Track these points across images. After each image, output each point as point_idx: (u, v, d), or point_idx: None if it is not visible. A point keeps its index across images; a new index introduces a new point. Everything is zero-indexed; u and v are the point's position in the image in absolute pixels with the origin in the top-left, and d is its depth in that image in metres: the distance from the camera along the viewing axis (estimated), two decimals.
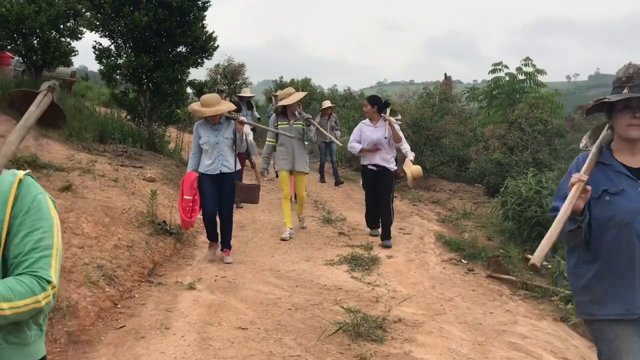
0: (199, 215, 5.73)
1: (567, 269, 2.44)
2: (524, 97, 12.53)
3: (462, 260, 6.29)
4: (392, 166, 6.75)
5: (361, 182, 7.32)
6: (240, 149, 5.76)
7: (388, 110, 6.73)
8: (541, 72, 12.88)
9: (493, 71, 13.26)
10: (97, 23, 9.99)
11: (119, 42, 10.39)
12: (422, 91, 14.27)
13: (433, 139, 12.50)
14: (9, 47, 11.72)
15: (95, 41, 10.36)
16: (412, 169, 6.81)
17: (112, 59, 10.36)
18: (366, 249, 6.36)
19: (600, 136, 2.31)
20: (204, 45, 10.72)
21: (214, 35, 10.86)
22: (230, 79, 23.55)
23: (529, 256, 6.02)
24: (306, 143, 7.07)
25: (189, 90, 11.43)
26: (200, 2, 10.47)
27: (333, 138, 8.07)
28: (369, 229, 7.27)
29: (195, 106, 5.65)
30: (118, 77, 10.51)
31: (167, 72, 10.15)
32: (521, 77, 13.01)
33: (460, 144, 12.79)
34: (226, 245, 5.82)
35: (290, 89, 7.03)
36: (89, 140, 8.92)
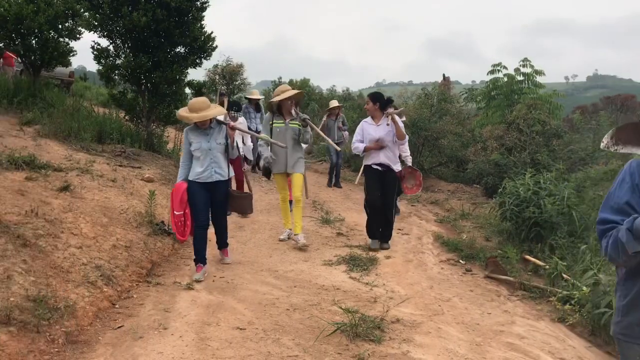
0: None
1: (617, 280, 2.07)
2: (522, 98, 12.55)
3: (460, 261, 6.30)
4: (398, 166, 6.48)
5: (364, 185, 6.65)
6: (232, 155, 5.42)
7: (391, 109, 6.38)
8: (539, 73, 12.91)
9: (492, 72, 13.30)
10: (96, 23, 9.99)
11: (118, 42, 10.38)
12: (420, 92, 14.30)
13: (431, 140, 12.52)
14: (1, 46, 11.69)
15: (94, 41, 10.37)
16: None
17: (111, 59, 10.35)
18: (364, 250, 6.36)
19: None
20: (203, 46, 10.72)
21: (212, 35, 10.87)
22: (228, 79, 23.58)
23: (527, 257, 6.04)
24: (304, 146, 6.70)
25: (187, 90, 11.43)
26: (198, 3, 10.47)
27: (330, 141, 7.49)
28: (369, 240, 6.61)
29: (182, 112, 5.23)
30: (116, 77, 10.50)
31: (165, 72, 10.15)
32: (519, 78, 13.05)
33: (459, 144, 12.81)
34: (223, 245, 5.66)
35: (285, 86, 6.63)
36: (87, 141, 8.92)
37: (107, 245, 5.05)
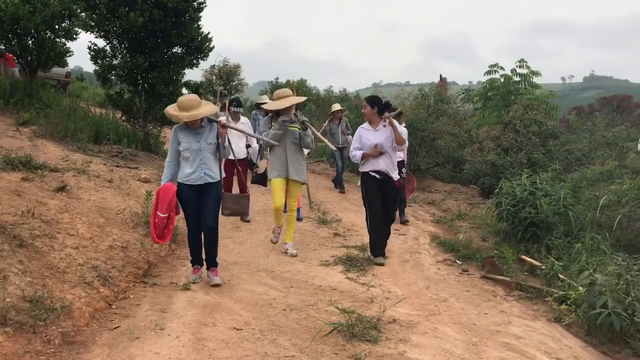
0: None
1: None
2: (518, 99, 12.59)
3: (457, 261, 6.32)
4: (395, 175, 6.04)
5: (363, 196, 6.14)
6: (223, 155, 5.04)
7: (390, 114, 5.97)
8: (536, 73, 12.95)
9: (488, 72, 13.33)
10: (93, 24, 10.00)
11: (114, 42, 10.39)
12: (417, 92, 14.31)
13: (428, 140, 12.54)
14: (3, 48, 11.67)
15: (91, 42, 10.38)
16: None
17: (107, 59, 10.36)
18: (361, 250, 6.36)
19: None
20: (200, 46, 10.74)
21: (209, 36, 10.89)
22: (225, 79, 23.59)
23: (524, 257, 6.06)
24: (306, 151, 6.28)
25: (184, 90, 11.42)
26: (195, 3, 10.48)
27: (328, 143, 6.69)
28: (371, 256, 6.07)
29: (171, 110, 4.79)
30: (113, 77, 10.51)
31: (162, 72, 10.16)
32: (516, 78, 13.09)
33: (455, 145, 12.83)
34: (212, 263, 5.07)
35: (287, 91, 6.12)
36: (83, 141, 8.92)
37: (103, 245, 5.05)
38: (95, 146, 9.01)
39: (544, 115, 11.17)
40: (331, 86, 28.84)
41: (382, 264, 5.88)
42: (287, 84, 24.34)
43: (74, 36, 12.01)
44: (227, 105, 7.77)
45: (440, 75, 17.27)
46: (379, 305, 4.59)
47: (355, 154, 6.05)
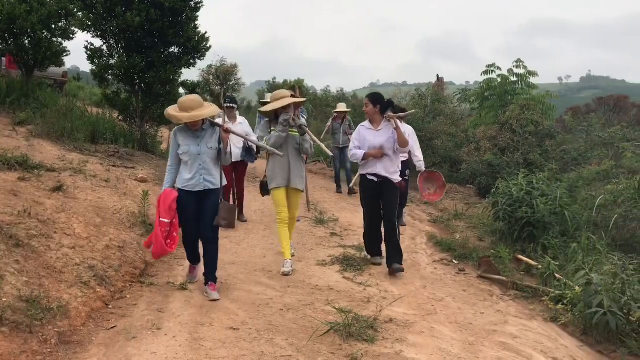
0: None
1: None
2: (515, 99, 12.63)
3: (454, 261, 6.33)
4: (397, 177, 5.69)
5: (360, 196, 5.99)
6: (224, 162, 4.73)
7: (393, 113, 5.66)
8: (533, 73, 12.99)
9: (486, 72, 13.36)
10: (89, 23, 9.99)
11: (111, 42, 10.38)
12: (414, 92, 14.34)
13: (425, 140, 12.54)
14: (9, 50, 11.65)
15: (87, 41, 10.38)
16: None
17: (104, 59, 10.35)
18: (358, 250, 6.36)
19: None
20: (197, 46, 10.74)
21: (206, 35, 10.89)
22: (222, 79, 23.58)
23: (520, 256, 6.07)
24: (304, 157, 5.82)
25: (181, 90, 11.43)
26: (192, 3, 10.49)
27: (323, 146, 6.30)
28: (367, 255, 6.03)
29: (171, 110, 4.54)
30: (110, 77, 10.51)
31: (159, 72, 10.15)
32: (513, 78, 13.12)
33: (452, 145, 12.86)
34: (211, 277, 4.73)
35: (285, 92, 5.67)
36: (80, 141, 8.91)
37: (100, 245, 5.04)
38: (92, 146, 9.00)
39: (541, 116, 11.21)
40: (328, 86, 28.88)
41: (379, 264, 5.83)
42: (285, 84, 24.33)
43: (71, 36, 12.01)
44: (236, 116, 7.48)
45: (438, 75, 17.26)
46: (375, 304, 4.59)
47: (355, 152, 5.73)
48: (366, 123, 5.81)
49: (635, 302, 4.12)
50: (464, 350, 3.83)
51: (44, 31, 11.31)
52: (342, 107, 10.84)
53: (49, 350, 3.44)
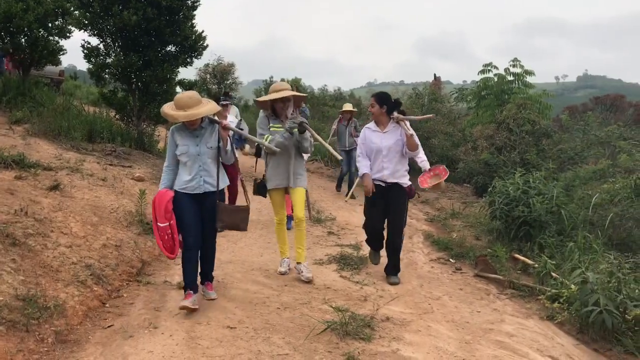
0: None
1: None
2: (512, 98, 12.63)
3: (450, 260, 6.34)
4: (406, 180, 5.33)
5: (363, 203, 5.61)
6: (226, 160, 4.47)
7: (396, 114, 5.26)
8: (529, 73, 13.00)
9: (482, 72, 13.36)
10: (86, 22, 9.98)
11: (108, 41, 10.38)
12: (411, 92, 14.35)
13: (422, 139, 12.48)
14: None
15: (84, 40, 10.36)
16: (442, 183, 5.37)
17: (101, 57, 10.34)
18: (355, 249, 6.38)
19: None
20: (194, 45, 10.74)
21: (203, 34, 10.89)
22: (219, 78, 23.57)
23: (517, 255, 6.09)
24: (305, 156, 5.50)
25: (178, 89, 11.42)
26: (189, 2, 10.49)
27: (331, 149, 5.50)
28: (369, 248, 5.74)
29: (167, 109, 4.20)
30: (107, 76, 10.50)
31: (156, 71, 10.15)
32: (509, 78, 13.13)
33: (449, 144, 12.86)
34: (208, 277, 4.65)
35: (282, 84, 5.30)
36: (77, 140, 8.89)
37: (97, 244, 5.04)
38: (88, 145, 8.99)
39: (538, 115, 11.21)
40: (325, 85, 28.89)
41: (377, 262, 5.70)
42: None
43: (68, 34, 11.99)
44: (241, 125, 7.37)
45: (435, 75, 17.31)
46: (372, 303, 4.60)
47: (360, 162, 5.41)
48: (372, 124, 5.43)
49: (631, 300, 4.14)
50: (461, 348, 3.84)
51: (40, 30, 11.28)
52: (348, 106, 10.51)
53: (46, 349, 3.44)
